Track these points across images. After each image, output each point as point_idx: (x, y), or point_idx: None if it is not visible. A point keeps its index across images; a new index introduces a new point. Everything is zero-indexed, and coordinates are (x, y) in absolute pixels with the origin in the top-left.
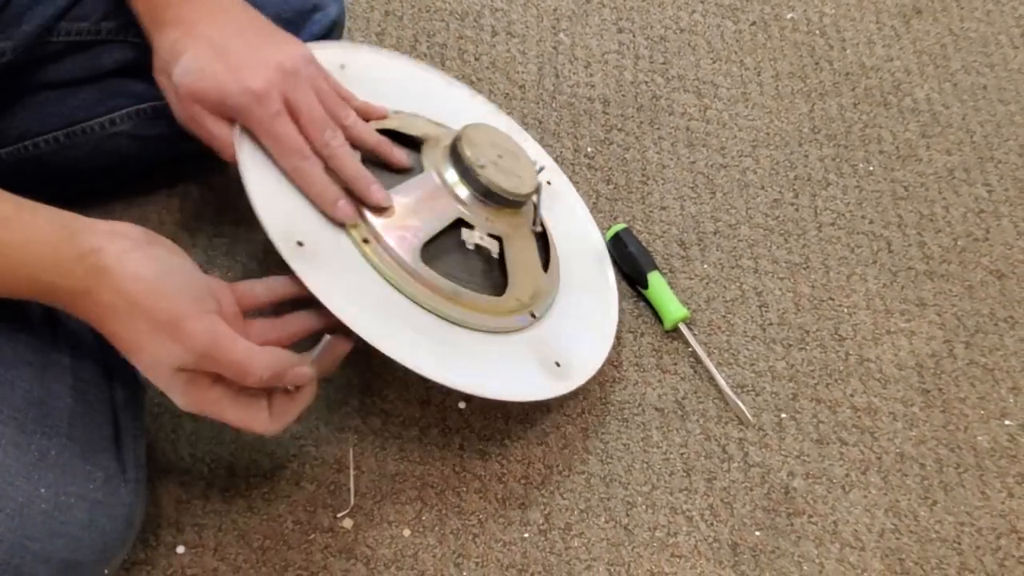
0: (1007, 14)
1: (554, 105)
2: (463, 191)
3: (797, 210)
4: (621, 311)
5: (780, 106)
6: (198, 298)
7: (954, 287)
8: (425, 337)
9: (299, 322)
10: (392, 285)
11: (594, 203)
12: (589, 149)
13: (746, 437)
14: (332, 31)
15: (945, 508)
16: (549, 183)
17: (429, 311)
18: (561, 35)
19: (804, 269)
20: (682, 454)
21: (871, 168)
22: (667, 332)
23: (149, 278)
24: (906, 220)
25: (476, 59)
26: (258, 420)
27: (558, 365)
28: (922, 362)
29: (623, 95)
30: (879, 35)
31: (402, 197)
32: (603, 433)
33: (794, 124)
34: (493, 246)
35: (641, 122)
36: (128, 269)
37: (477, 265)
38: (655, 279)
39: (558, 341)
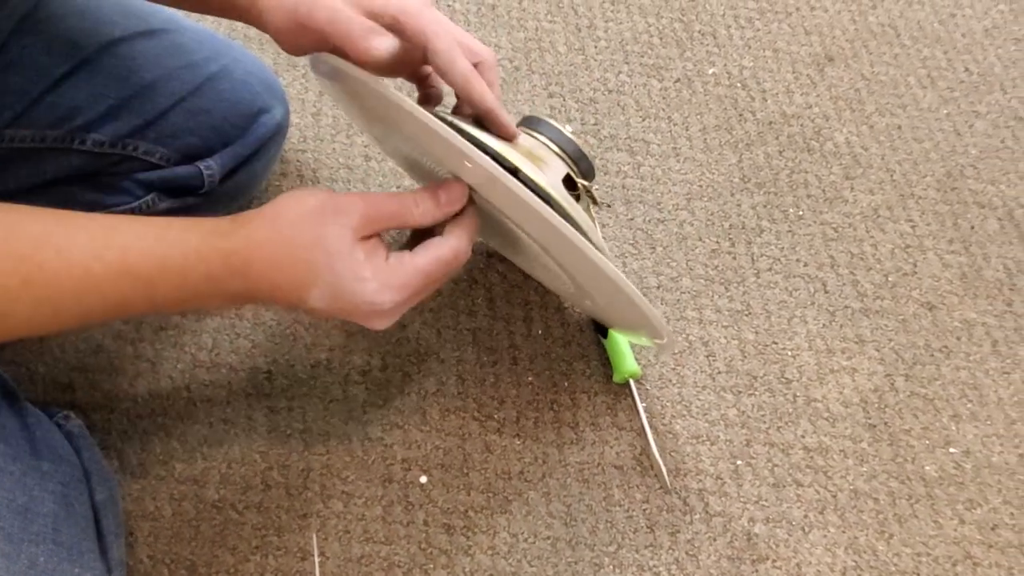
0: (913, 57)
1: None
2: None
3: (735, 258)
4: (582, 360)
5: (710, 158)
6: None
7: (889, 322)
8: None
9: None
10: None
11: None
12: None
13: (705, 487)
14: (277, 133)
15: (901, 540)
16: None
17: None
18: None
19: (746, 316)
20: (644, 510)
21: (801, 212)
22: (620, 387)
23: (286, 222)
24: (838, 260)
25: None
26: (447, 247)
27: None
28: (866, 398)
29: None
30: (796, 84)
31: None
32: (565, 496)
33: (725, 175)
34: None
35: None
36: (261, 236)
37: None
38: (615, 332)
39: None
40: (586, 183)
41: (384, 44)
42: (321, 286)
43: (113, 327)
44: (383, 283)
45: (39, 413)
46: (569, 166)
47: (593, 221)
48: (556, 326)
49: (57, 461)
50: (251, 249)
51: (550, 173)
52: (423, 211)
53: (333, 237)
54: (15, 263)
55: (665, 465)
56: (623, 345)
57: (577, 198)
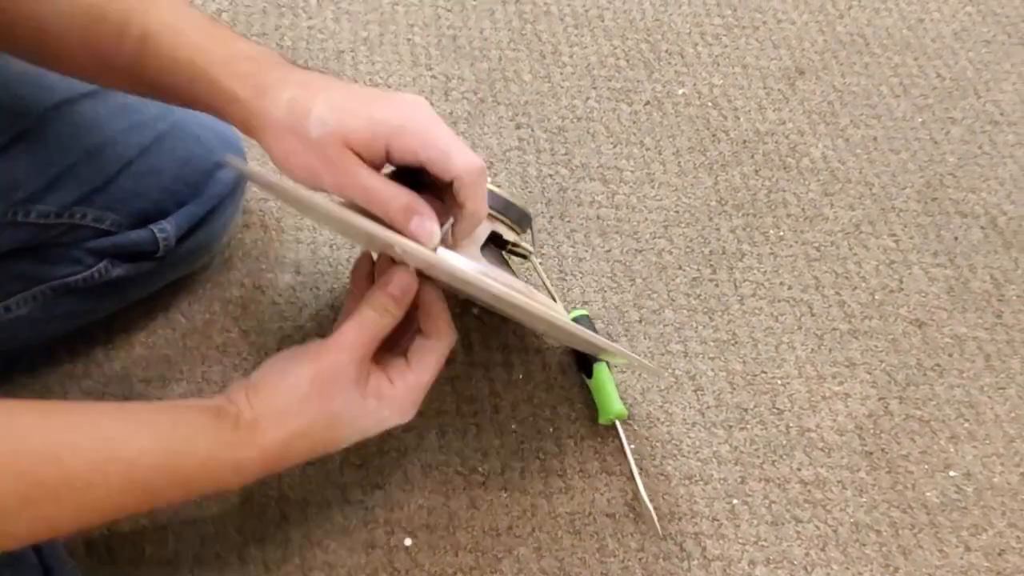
0: (884, 65)
1: None
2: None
3: (717, 286)
4: (566, 403)
5: (685, 182)
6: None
7: (879, 343)
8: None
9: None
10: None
11: None
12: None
13: (702, 530)
14: (235, 188)
15: (907, 573)
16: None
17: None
18: (460, 138)
19: (733, 345)
20: (640, 559)
21: (782, 233)
22: (606, 429)
23: (293, 414)
24: (823, 281)
25: None
26: (438, 351)
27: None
28: (861, 424)
29: (530, 191)
30: (768, 100)
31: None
32: (557, 550)
33: (701, 199)
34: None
35: (552, 217)
36: (275, 439)
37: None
38: (600, 371)
39: None
40: (514, 238)
41: (431, 235)
42: (349, 439)
43: (79, 386)
44: (401, 409)
45: None
46: (500, 220)
47: (536, 268)
48: (537, 369)
49: (14, 564)
50: (269, 456)
51: (471, 247)
52: (390, 318)
53: (345, 405)
54: (14, 481)
55: (656, 510)
56: (608, 385)
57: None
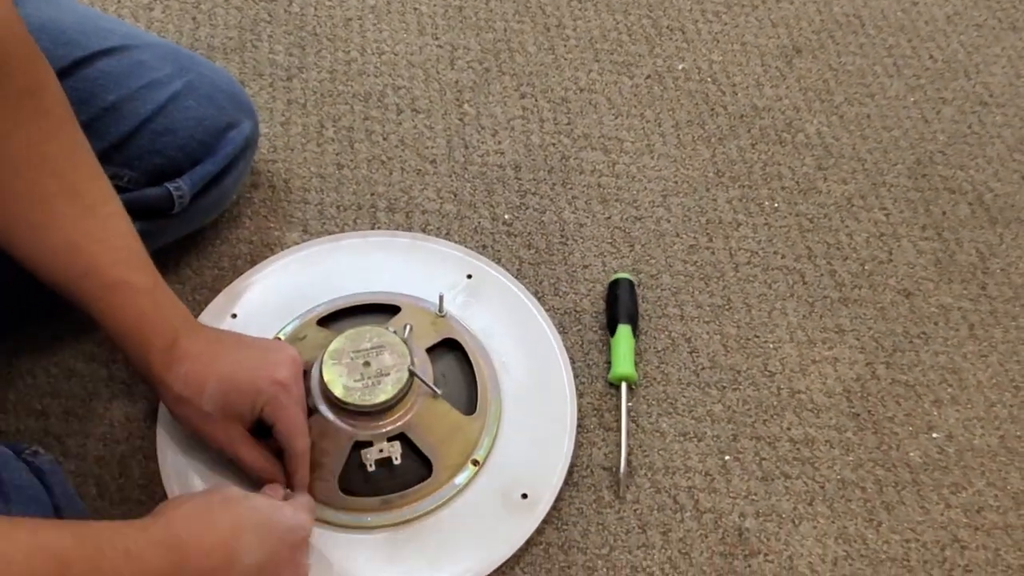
0: (879, 46)
1: (467, 176)
2: (346, 418)
3: (713, 253)
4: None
5: (684, 154)
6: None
7: (868, 311)
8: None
9: None
10: (331, 524)
11: (518, 270)
12: (506, 216)
13: (695, 484)
14: (246, 148)
15: (890, 528)
16: (470, 276)
17: (376, 528)
18: (465, 106)
19: (727, 310)
20: (635, 510)
21: (776, 205)
22: (605, 387)
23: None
24: (815, 251)
25: (384, 139)
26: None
27: (524, 496)
28: (849, 387)
29: (533, 159)
30: (766, 77)
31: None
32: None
33: (699, 170)
34: (395, 450)
35: (554, 184)
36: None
37: (396, 465)
38: (622, 332)
39: (515, 464)
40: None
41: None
42: (251, 523)
43: (85, 349)
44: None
45: (5, 451)
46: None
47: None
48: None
49: (26, 502)
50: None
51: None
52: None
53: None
54: None
55: (651, 464)
56: (624, 347)
57: None
